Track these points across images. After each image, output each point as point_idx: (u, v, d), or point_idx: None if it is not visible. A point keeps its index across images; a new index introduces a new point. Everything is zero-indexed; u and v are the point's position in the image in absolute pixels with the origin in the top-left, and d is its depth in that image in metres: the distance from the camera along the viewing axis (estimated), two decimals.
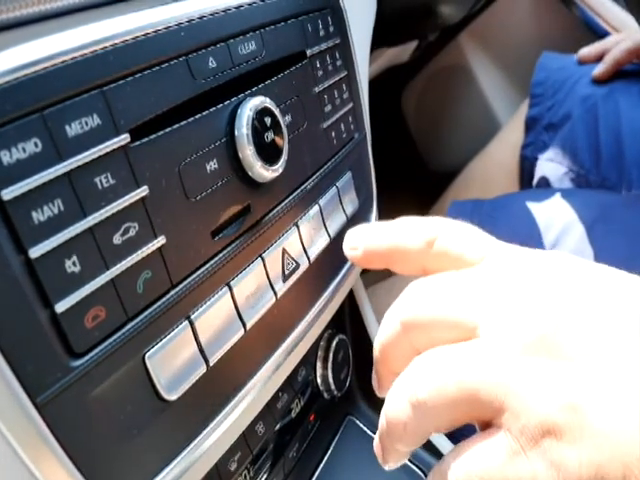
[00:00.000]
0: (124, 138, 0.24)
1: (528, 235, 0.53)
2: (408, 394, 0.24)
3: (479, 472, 0.22)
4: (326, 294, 0.37)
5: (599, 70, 0.76)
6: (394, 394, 0.25)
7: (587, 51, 0.82)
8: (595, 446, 0.20)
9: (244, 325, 0.29)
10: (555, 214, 0.54)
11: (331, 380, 0.44)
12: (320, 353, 0.44)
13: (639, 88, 0.73)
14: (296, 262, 0.33)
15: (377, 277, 0.74)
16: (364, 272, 0.48)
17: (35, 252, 0.20)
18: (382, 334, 0.27)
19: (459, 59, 1.21)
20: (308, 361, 0.43)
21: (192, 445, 0.26)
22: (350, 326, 0.50)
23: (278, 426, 0.39)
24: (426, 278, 0.27)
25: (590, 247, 0.50)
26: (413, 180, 1.27)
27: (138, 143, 0.25)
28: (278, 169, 0.31)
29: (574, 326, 0.22)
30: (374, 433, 0.47)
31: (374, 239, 0.30)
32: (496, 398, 0.22)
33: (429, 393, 0.23)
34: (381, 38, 0.64)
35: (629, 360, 0.21)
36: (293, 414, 0.41)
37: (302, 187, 0.35)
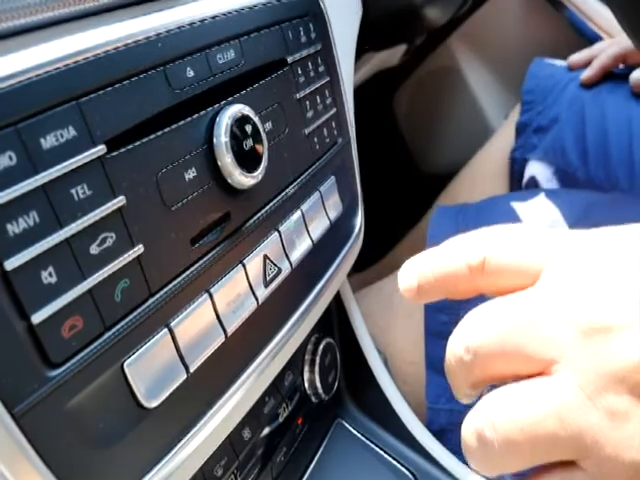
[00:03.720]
0: (100, 149, 0.24)
1: None
2: (479, 443, 0.23)
3: None
4: (310, 298, 0.37)
5: (586, 75, 0.77)
6: (465, 432, 0.24)
7: (577, 58, 0.83)
8: None
9: (225, 331, 0.29)
10: (539, 214, 0.54)
11: (318, 384, 0.44)
12: (307, 357, 0.44)
13: (625, 91, 0.74)
14: (278, 267, 0.34)
15: (367, 278, 0.74)
16: (351, 275, 0.49)
17: (11, 264, 0.21)
18: (447, 361, 0.25)
19: (450, 62, 1.21)
20: (295, 365, 0.43)
21: (173, 452, 0.26)
22: (338, 329, 0.50)
23: (265, 431, 0.40)
24: (486, 305, 0.25)
25: None
26: (405, 182, 1.27)
27: (115, 154, 0.25)
28: (258, 176, 0.31)
29: None
30: (363, 435, 0.48)
31: (423, 275, 0.27)
32: (576, 446, 0.21)
33: (500, 447, 0.22)
34: (367, 42, 0.64)
35: None
36: (280, 419, 0.41)
37: (283, 193, 0.35)
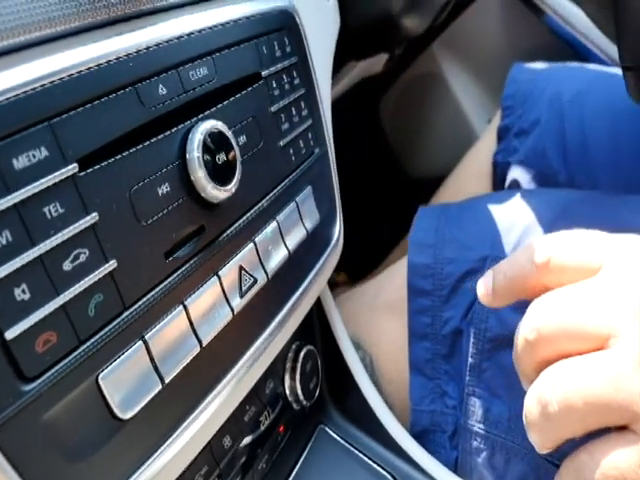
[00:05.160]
0: (72, 168, 0.25)
1: (492, 238, 0.54)
2: (540, 407, 0.26)
3: (615, 471, 0.24)
4: (287, 307, 0.38)
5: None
6: (528, 403, 0.27)
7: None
8: None
9: (200, 342, 0.30)
10: (517, 215, 0.55)
11: (299, 391, 0.44)
12: (288, 365, 0.45)
13: (604, 90, 0.75)
14: (253, 277, 0.34)
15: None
16: (332, 283, 0.49)
17: None
18: (515, 348, 0.29)
19: (433, 68, 1.23)
20: (276, 373, 0.44)
21: (149, 462, 0.27)
22: (321, 336, 0.51)
23: (246, 439, 0.40)
24: (550, 293, 0.28)
25: None
26: (392, 188, 1.28)
27: (87, 172, 0.25)
28: (231, 189, 0.32)
29: None
30: (346, 441, 0.48)
31: (497, 279, 0.32)
32: (628, 412, 0.23)
33: (559, 408, 0.25)
34: (347, 52, 0.65)
35: None
36: (262, 426, 0.42)
37: (259, 205, 0.36)
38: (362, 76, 0.97)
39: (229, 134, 0.33)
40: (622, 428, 0.25)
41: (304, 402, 0.45)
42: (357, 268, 0.97)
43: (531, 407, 0.27)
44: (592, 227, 0.57)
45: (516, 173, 0.79)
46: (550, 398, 0.26)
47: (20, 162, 0.23)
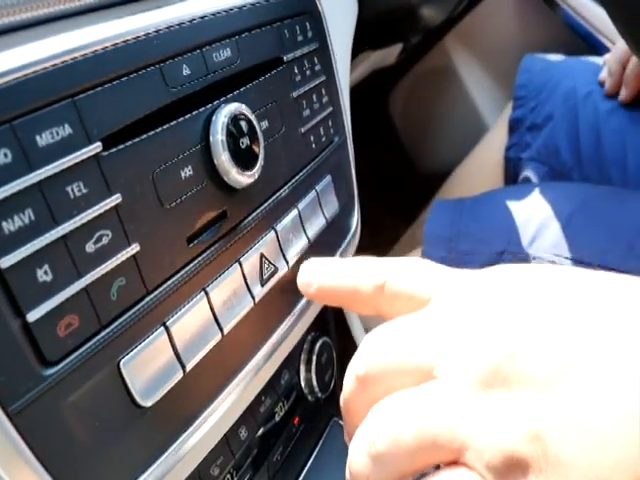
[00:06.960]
0: (96, 147, 0.24)
1: (509, 231, 0.54)
2: (367, 447, 0.23)
3: None
4: (305, 298, 0.37)
5: (625, 96, 0.73)
6: (354, 447, 0.24)
7: (609, 83, 0.76)
8: (561, 475, 0.19)
9: (221, 330, 0.29)
10: (534, 209, 0.55)
11: (315, 383, 0.44)
12: (303, 356, 0.44)
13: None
14: (274, 266, 0.33)
15: None
16: None
17: (6, 262, 0.21)
18: (344, 390, 0.27)
19: (445, 61, 1.21)
20: (291, 364, 0.43)
21: (169, 451, 0.26)
22: (334, 328, 0.50)
23: (261, 430, 0.40)
24: (379, 328, 0.26)
25: (569, 240, 0.51)
26: (401, 182, 1.27)
27: (110, 152, 0.25)
28: (254, 174, 0.31)
29: (528, 350, 0.21)
30: None
31: (327, 278, 0.30)
32: (455, 440, 0.21)
33: (387, 444, 0.23)
34: (364, 41, 0.64)
35: (591, 378, 0.19)
36: (277, 418, 0.41)
37: (280, 192, 0.35)
38: (373, 68, 0.96)
39: (252, 118, 0.32)
40: (452, 463, 0.22)
41: (319, 394, 0.44)
42: None
43: (358, 453, 0.24)
44: (611, 222, 0.57)
45: (528, 170, 0.78)
46: (377, 436, 0.23)
47: (44, 139, 0.22)
